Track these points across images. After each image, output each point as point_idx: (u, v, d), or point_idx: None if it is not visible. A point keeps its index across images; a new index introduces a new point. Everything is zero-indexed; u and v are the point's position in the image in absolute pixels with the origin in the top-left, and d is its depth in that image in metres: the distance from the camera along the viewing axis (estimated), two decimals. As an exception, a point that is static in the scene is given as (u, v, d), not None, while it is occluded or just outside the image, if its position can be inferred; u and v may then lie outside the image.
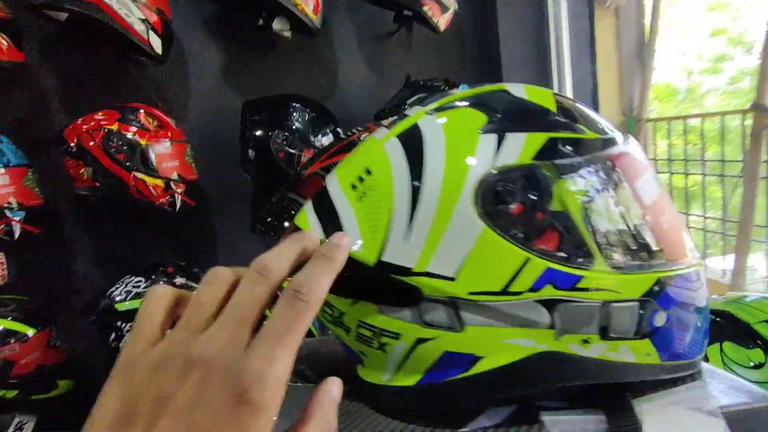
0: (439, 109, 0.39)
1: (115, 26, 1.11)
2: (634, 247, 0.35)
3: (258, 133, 1.26)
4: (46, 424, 1.26)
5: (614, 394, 0.38)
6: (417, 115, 0.39)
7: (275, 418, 0.20)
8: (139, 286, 1.24)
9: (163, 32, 1.22)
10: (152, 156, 1.20)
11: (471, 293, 0.33)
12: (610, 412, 0.36)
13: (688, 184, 2.38)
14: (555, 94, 0.40)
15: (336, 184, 0.38)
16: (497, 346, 0.35)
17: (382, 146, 0.38)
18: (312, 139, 1.24)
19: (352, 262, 0.34)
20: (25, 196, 1.19)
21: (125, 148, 1.17)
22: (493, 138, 0.35)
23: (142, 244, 1.41)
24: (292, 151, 1.22)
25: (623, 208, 0.35)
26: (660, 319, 0.36)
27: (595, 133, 0.37)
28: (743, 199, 1.84)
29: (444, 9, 1.33)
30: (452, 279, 0.34)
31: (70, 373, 1.28)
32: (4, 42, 1.13)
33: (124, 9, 1.12)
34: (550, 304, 0.34)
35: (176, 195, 1.25)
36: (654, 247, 0.36)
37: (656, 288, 0.35)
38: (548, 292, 0.33)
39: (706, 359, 0.59)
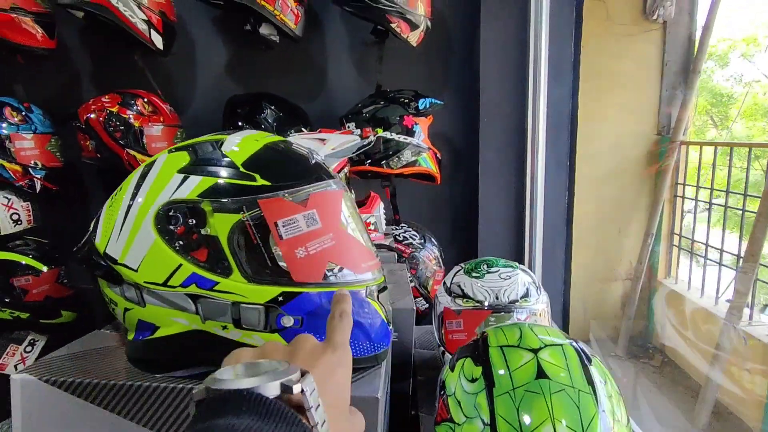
0: (175, 149, 0.54)
1: (120, 24, 1.34)
2: (263, 268, 0.49)
3: (235, 125, 1.45)
4: (54, 345, 1.56)
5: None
6: (164, 151, 0.55)
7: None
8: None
9: (164, 30, 1.44)
10: (144, 137, 1.43)
11: (145, 282, 0.49)
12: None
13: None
14: (268, 145, 0.53)
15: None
16: (167, 321, 0.50)
17: (135, 171, 0.54)
18: (275, 135, 1.41)
19: (97, 250, 0.51)
20: (47, 158, 1.47)
21: (122, 128, 1.41)
22: (180, 177, 0.49)
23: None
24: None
25: (260, 239, 0.48)
26: (287, 321, 0.49)
27: (266, 181, 0.50)
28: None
29: (413, 26, 1.43)
30: (136, 270, 0.49)
31: (74, 307, 1.57)
32: (39, 32, 1.39)
33: (129, 11, 1.35)
34: (195, 298, 0.48)
35: (162, 171, 1.48)
36: (281, 270, 0.49)
37: (281, 298, 0.48)
38: (193, 289, 0.48)
39: (452, 369, 0.71)
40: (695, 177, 2.60)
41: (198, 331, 0.49)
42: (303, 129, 1.46)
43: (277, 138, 0.57)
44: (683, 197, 2.57)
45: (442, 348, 1.04)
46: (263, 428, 0.27)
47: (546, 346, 0.66)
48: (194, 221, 0.48)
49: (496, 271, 1.07)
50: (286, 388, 0.30)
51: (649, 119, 2.54)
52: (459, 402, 0.65)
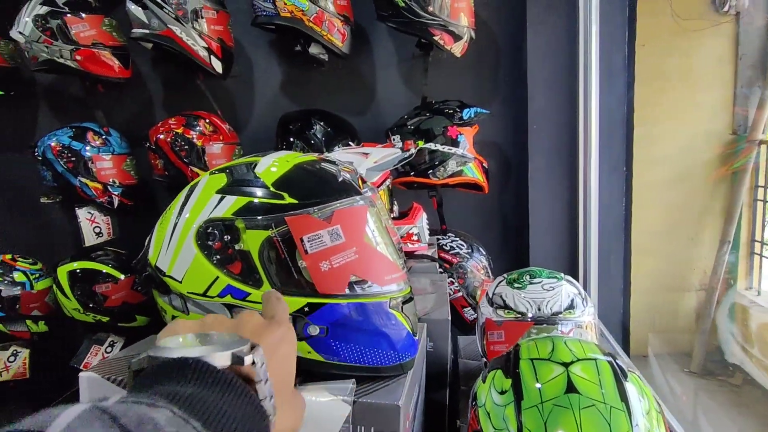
0: (216, 171, 0.59)
1: (183, 52, 1.46)
2: (290, 280, 0.52)
3: (287, 142, 1.53)
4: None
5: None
6: (207, 173, 0.60)
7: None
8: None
9: (223, 56, 1.55)
10: (205, 155, 1.54)
11: (188, 292, 0.54)
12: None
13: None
14: (298, 165, 0.57)
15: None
16: (208, 328, 0.55)
17: (184, 190, 0.60)
18: (324, 151, 1.48)
19: (150, 263, 0.57)
20: (124, 176, 1.63)
21: (186, 147, 1.54)
22: (218, 197, 0.55)
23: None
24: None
25: (287, 253, 0.52)
26: (313, 330, 0.53)
27: (294, 200, 0.54)
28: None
29: (457, 38, 1.44)
30: (180, 282, 0.55)
31: (146, 312, 1.71)
32: (116, 63, 1.55)
33: (191, 39, 1.47)
34: (230, 307, 0.53)
35: (222, 186, 1.58)
36: (306, 282, 0.52)
37: (306, 309, 0.52)
38: (228, 299, 0.53)
39: (484, 380, 0.72)
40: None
41: (234, 337, 0.54)
42: (350, 143, 1.52)
43: (308, 158, 0.61)
44: (765, 201, 2.37)
45: (484, 359, 1.04)
46: (208, 397, 0.26)
47: (578, 360, 0.65)
48: (229, 237, 0.53)
49: (539, 282, 1.05)
50: (237, 359, 0.29)
51: (723, 118, 2.36)
52: (488, 413, 0.65)
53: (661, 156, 2.23)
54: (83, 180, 1.54)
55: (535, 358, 0.67)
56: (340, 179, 0.59)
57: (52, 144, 1.54)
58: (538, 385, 0.64)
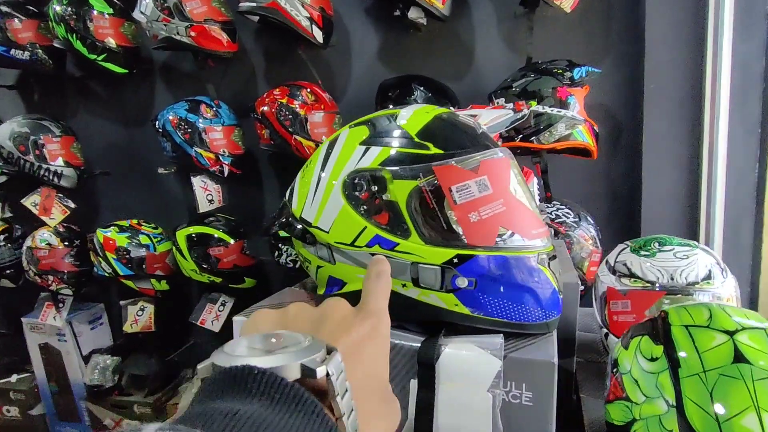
0: (355, 125, 0.60)
1: (287, 23, 1.49)
2: (438, 231, 0.52)
3: (386, 108, 1.52)
4: (240, 306, 1.83)
5: (438, 328, 0.55)
6: (345, 127, 0.61)
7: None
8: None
9: (324, 25, 1.57)
10: (308, 124, 1.58)
11: (336, 242, 0.56)
12: (427, 339, 0.55)
13: None
14: (437, 117, 0.56)
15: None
16: (354, 277, 0.56)
17: (321, 146, 0.61)
18: (425, 115, 1.45)
19: (294, 215, 0.60)
20: (233, 147, 1.72)
21: (290, 116, 1.58)
22: (362, 148, 0.55)
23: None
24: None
25: (435, 203, 0.51)
26: (462, 282, 0.52)
27: (439, 150, 0.53)
28: None
29: (568, -10, 1.34)
30: (327, 232, 0.56)
31: (255, 275, 1.83)
32: (225, 38, 1.62)
33: (294, 10, 1.49)
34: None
35: (323, 154, 1.63)
36: (455, 233, 0.51)
37: (455, 260, 0.51)
38: (376, 249, 0.53)
39: (626, 347, 0.69)
40: None
41: (380, 287, 0.55)
42: (451, 108, 1.48)
43: (444, 110, 0.59)
44: None
45: (605, 330, 0.99)
46: (273, 419, 0.22)
47: (744, 328, 0.59)
48: (376, 188, 0.53)
49: (671, 250, 0.98)
50: (307, 371, 0.25)
51: None
52: (636, 381, 0.62)
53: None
54: (198, 150, 1.65)
55: (690, 325, 0.62)
56: (480, 131, 0.57)
57: (171, 117, 1.65)
58: (693, 353, 0.59)
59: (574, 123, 1.38)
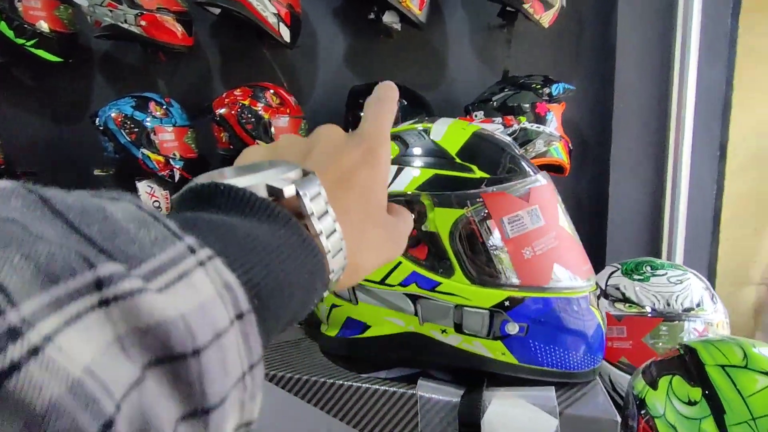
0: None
1: (252, 19, 1.37)
2: (487, 269, 0.44)
3: (357, 116, 1.44)
4: None
5: (478, 379, 0.48)
6: None
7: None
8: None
9: (292, 24, 1.46)
10: (272, 128, 1.46)
11: (361, 282, 0.47)
12: (467, 391, 0.47)
13: None
14: (476, 133, 0.49)
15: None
16: (380, 320, 0.48)
17: None
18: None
19: None
20: (185, 150, 1.56)
21: (253, 120, 1.46)
22: (394, 168, 0.46)
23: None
24: (382, 135, 1.38)
25: (485, 237, 0.44)
26: (512, 328, 0.45)
27: (484, 173, 0.45)
28: None
29: (547, 6, 1.33)
30: (350, 267, 0.47)
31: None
32: (179, 30, 1.47)
33: (261, 5, 1.37)
34: (414, 298, 0.45)
35: (288, 162, 1.51)
36: (507, 272, 0.44)
37: (507, 303, 0.44)
38: (413, 288, 0.45)
39: (654, 387, 0.64)
40: None
41: (413, 333, 0.46)
42: (427, 118, 1.42)
43: (478, 126, 0.52)
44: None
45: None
46: (234, 222, 0.20)
47: (783, 369, 0.56)
48: (414, 216, 0.45)
49: (664, 274, 0.96)
50: (274, 190, 0.22)
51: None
52: (674, 426, 0.57)
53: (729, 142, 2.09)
54: (146, 152, 1.48)
55: (725, 365, 0.59)
56: (519, 152, 0.51)
57: (114, 114, 1.47)
58: (737, 398, 0.55)
59: (551, 140, 1.36)
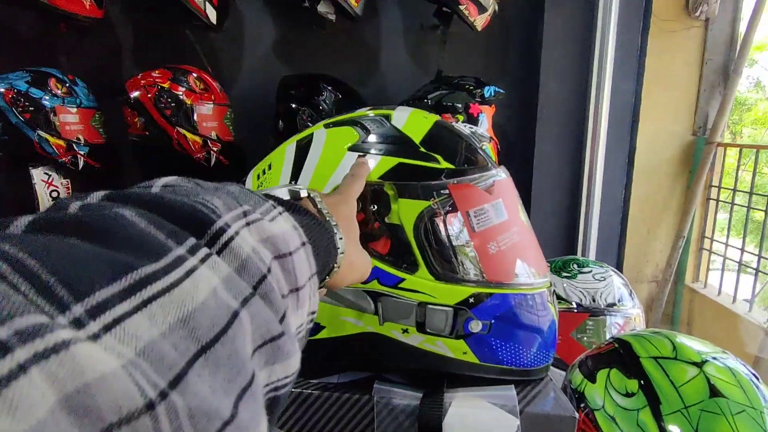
0: (332, 125, 0.47)
1: (177, -4, 1.26)
2: (452, 264, 0.42)
3: (288, 107, 1.37)
4: None
5: (437, 381, 0.45)
6: (317, 126, 0.48)
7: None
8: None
9: (219, 5, 1.36)
10: (195, 115, 1.35)
11: (316, 275, 0.42)
12: (427, 394, 0.44)
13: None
14: (438, 123, 0.47)
15: (250, 173, 0.48)
16: (336, 321, 0.44)
17: (285, 148, 0.47)
18: (335, 119, 1.34)
19: None
20: (91, 134, 1.39)
21: (173, 105, 1.34)
22: (353, 155, 0.43)
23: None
24: (315, 128, 1.33)
25: (451, 230, 0.42)
26: (475, 326, 0.43)
27: (449, 164, 0.43)
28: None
29: (482, 9, 1.36)
30: (303, 262, 0.43)
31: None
32: (87, 0, 1.31)
33: (187, -18, 1.26)
34: (375, 296, 0.42)
35: (212, 152, 1.40)
36: (473, 267, 0.42)
37: (471, 300, 0.42)
38: (374, 285, 0.42)
39: (592, 380, 0.65)
40: (727, 181, 2.54)
41: (372, 333, 0.43)
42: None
43: (437, 116, 0.50)
44: (717, 200, 2.53)
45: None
46: (270, 211, 0.27)
47: (708, 360, 0.60)
48: (375, 207, 0.41)
49: (589, 272, 1.01)
50: (293, 193, 0.32)
51: (686, 119, 2.48)
52: (613, 418, 0.59)
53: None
54: (43, 134, 1.30)
55: (657, 357, 0.62)
56: (480, 145, 0.49)
57: (3, 89, 1.28)
58: (670, 388, 0.58)
59: (483, 140, 1.39)
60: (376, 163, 0.42)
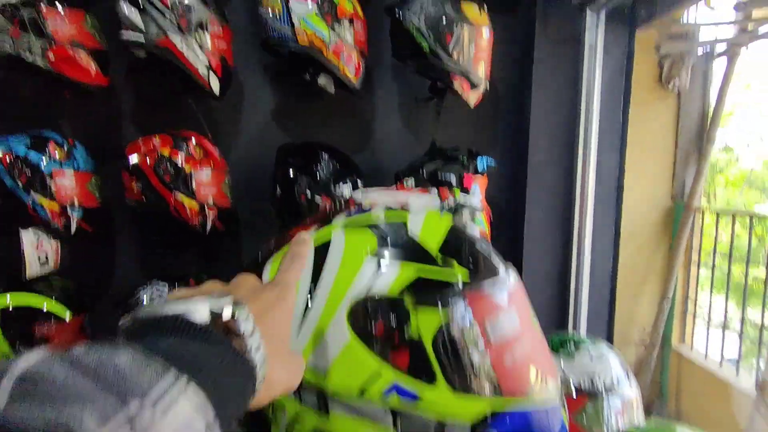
0: (350, 225, 0.48)
1: (182, 67, 1.30)
2: (469, 376, 0.43)
3: (287, 174, 1.40)
4: None
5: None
6: (334, 226, 0.49)
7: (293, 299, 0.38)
8: (162, 292, 1.40)
9: (223, 75, 1.40)
10: (193, 181, 1.37)
11: (336, 389, 0.42)
12: None
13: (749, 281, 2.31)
14: (453, 229, 0.48)
15: (269, 262, 0.49)
16: (353, 435, 0.43)
17: (296, 244, 0.48)
18: (332, 187, 1.37)
19: None
20: (86, 198, 1.39)
21: (172, 171, 1.35)
22: (373, 264, 0.44)
23: (175, 255, 1.58)
24: (312, 196, 1.35)
25: (469, 341, 0.43)
26: (493, 442, 0.43)
27: (464, 272, 0.45)
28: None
29: (473, 86, 1.43)
30: (323, 374, 0.43)
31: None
32: (93, 68, 1.34)
33: (192, 54, 1.31)
34: (395, 415, 0.42)
35: (208, 218, 1.41)
36: (491, 381, 0.43)
37: (490, 414, 0.42)
38: (394, 402, 0.41)
39: None
40: (706, 243, 2.61)
41: (389, 449, 0.43)
42: (358, 181, 1.43)
43: (449, 215, 0.52)
44: (698, 263, 2.59)
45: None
46: (185, 346, 0.27)
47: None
48: (395, 320, 0.42)
49: (586, 351, 1.01)
50: (215, 315, 0.29)
51: (665, 185, 2.58)
52: None
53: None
54: (37, 198, 1.29)
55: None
56: (490, 248, 0.51)
57: (0, 154, 1.28)
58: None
59: (474, 211, 1.42)
60: (397, 273, 0.43)
